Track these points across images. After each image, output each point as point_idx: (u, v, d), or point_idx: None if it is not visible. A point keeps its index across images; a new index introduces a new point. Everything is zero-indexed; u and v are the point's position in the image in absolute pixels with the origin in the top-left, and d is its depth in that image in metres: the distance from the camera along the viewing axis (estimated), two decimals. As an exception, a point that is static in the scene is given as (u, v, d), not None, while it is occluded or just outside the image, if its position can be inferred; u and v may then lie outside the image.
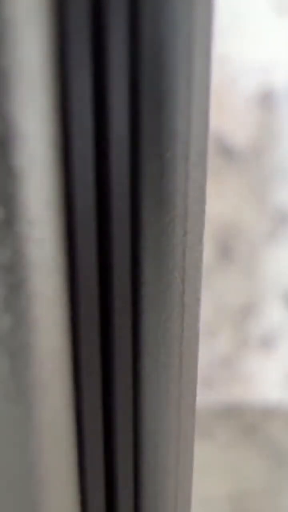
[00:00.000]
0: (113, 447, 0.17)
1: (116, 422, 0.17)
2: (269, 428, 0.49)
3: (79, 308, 0.15)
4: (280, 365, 0.52)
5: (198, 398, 0.53)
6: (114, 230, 0.15)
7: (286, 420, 0.50)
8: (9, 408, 0.15)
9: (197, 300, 0.17)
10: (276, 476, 0.44)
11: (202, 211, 0.16)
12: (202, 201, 0.16)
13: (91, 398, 0.16)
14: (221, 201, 0.47)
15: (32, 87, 0.13)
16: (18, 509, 0.16)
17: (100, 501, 0.17)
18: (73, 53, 0.13)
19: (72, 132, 0.14)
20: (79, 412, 0.16)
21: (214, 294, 0.49)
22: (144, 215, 0.15)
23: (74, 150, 0.14)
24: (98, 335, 0.16)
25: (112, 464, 0.17)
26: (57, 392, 0.15)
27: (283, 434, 0.48)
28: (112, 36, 0.13)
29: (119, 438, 0.17)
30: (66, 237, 0.15)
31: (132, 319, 0.16)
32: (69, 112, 0.14)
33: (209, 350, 0.51)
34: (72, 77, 0.13)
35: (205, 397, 0.52)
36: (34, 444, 0.16)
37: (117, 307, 0.15)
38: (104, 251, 0.15)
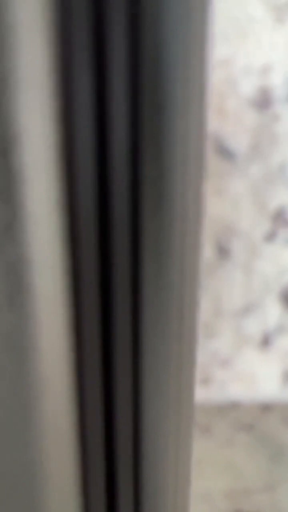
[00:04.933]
0: (114, 444, 0.17)
1: (117, 419, 0.17)
2: (267, 424, 0.49)
3: (81, 307, 0.15)
4: (278, 362, 0.52)
5: (196, 395, 0.53)
6: (114, 230, 0.15)
7: (284, 416, 0.50)
8: (12, 404, 0.15)
9: (196, 299, 0.17)
10: (274, 472, 0.44)
11: (201, 212, 0.16)
12: (200, 201, 0.16)
13: (92, 396, 0.16)
14: (221, 202, 0.47)
15: (34, 90, 0.13)
16: (20, 503, 0.17)
17: (100, 495, 0.17)
18: (74, 57, 0.13)
19: (74, 134, 0.14)
20: (80, 409, 0.16)
21: (213, 293, 0.49)
22: (144, 215, 0.15)
23: (75, 151, 0.14)
24: (99, 333, 0.16)
25: (112, 460, 0.17)
26: (60, 389, 0.16)
27: (281, 430, 0.48)
28: (113, 41, 0.14)
29: (119, 435, 0.17)
30: (67, 237, 0.15)
31: (132, 318, 0.16)
32: (71, 114, 0.14)
33: (207, 348, 0.51)
34: (73, 81, 0.14)
35: (203, 394, 0.53)
36: (36, 440, 0.16)
37: (117, 306, 0.16)
38: (105, 251, 0.15)
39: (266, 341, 0.51)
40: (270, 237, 0.48)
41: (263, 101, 0.44)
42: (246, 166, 0.46)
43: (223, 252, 0.48)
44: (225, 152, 0.45)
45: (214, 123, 0.45)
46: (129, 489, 0.18)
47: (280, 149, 0.46)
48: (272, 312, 0.50)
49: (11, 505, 0.17)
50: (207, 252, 0.48)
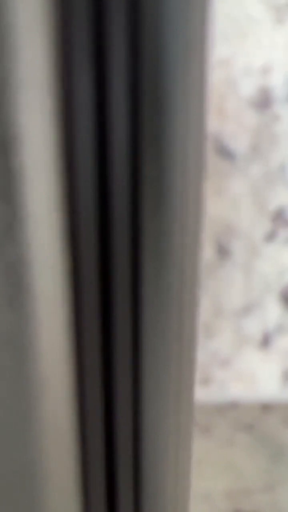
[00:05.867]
0: (114, 444, 0.17)
1: (117, 419, 0.17)
2: (267, 424, 0.49)
3: (80, 306, 0.15)
4: (278, 362, 0.52)
5: (196, 395, 0.53)
6: (114, 230, 0.15)
7: (284, 416, 0.50)
8: (12, 404, 0.15)
9: (196, 299, 0.17)
10: (274, 472, 0.44)
11: (201, 212, 0.16)
12: (200, 201, 0.16)
13: (92, 396, 0.16)
14: (221, 202, 0.47)
15: (34, 90, 0.13)
16: (20, 503, 0.17)
17: (100, 495, 0.17)
18: (74, 58, 0.13)
19: (74, 134, 0.14)
20: (80, 409, 0.16)
21: (213, 293, 0.49)
22: (144, 215, 0.15)
23: (75, 151, 0.14)
24: (99, 333, 0.16)
25: (112, 460, 0.17)
26: (60, 389, 0.16)
27: (281, 430, 0.48)
28: (113, 42, 0.14)
29: (119, 435, 0.17)
30: (67, 236, 0.15)
31: (132, 318, 0.16)
32: (71, 115, 0.14)
33: (207, 348, 0.51)
34: (73, 81, 0.14)
35: (203, 394, 0.53)
36: (36, 440, 0.16)
37: (117, 306, 0.16)
38: (105, 251, 0.15)
39: (266, 341, 0.51)
40: (270, 237, 0.48)
41: (263, 101, 0.44)
42: (246, 166, 0.46)
43: (223, 252, 0.48)
44: (225, 152, 0.45)
45: (214, 123, 0.45)
46: (129, 489, 0.18)
47: (280, 149, 0.46)
48: (272, 312, 0.50)
49: (11, 505, 0.17)
50: (207, 252, 0.48)
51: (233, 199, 0.47)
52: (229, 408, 0.51)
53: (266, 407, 0.51)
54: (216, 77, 0.44)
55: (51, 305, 0.15)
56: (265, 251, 0.48)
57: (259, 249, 0.48)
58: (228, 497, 0.42)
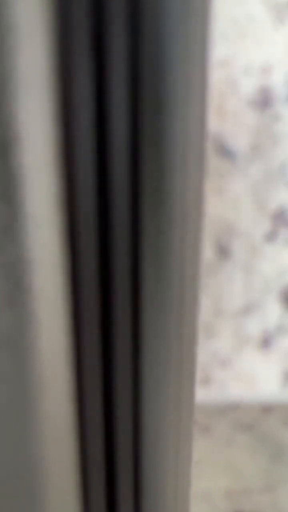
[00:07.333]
0: (114, 444, 0.17)
1: (117, 420, 0.17)
2: (267, 424, 0.49)
3: (80, 307, 0.15)
4: (278, 363, 0.52)
5: (196, 395, 0.53)
6: (114, 230, 0.15)
7: (284, 417, 0.50)
8: (12, 404, 0.15)
9: (196, 299, 0.17)
10: (274, 472, 0.44)
11: (201, 212, 0.16)
12: (201, 201, 0.16)
13: (92, 396, 0.16)
14: (221, 202, 0.47)
15: (34, 90, 0.13)
16: (20, 504, 0.17)
17: (101, 495, 0.17)
18: (74, 58, 0.13)
19: (73, 134, 0.14)
20: (80, 409, 0.16)
21: (213, 293, 0.49)
22: (144, 215, 0.15)
23: (75, 151, 0.14)
24: (99, 333, 0.16)
25: (112, 460, 0.17)
26: (59, 389, 0.16)
27: (281, 430, 0.48)
28: (113, 41, 0.14)
29: (119, 435, 0.17)
30: (67, 236, 0.15)
31: (132, 318, 0.16)
32: (70, 115, 0.14)
33: (207, 348, 0.51)
34: (73, 81, 0.14)
35: (203, 394, 0.53)
36: (36, 440, 0.16)
37: (117, 306, 0.16)
38: (105, 251, 0.15)
39: (266, 341, 0.51)
40: (270, 237, 0.48)
41: (263, 101, 0.44)
42: (246, 166, 0.46)
43: (223, 252, 0.48)
44: (225, 152, 0.45)
45: (214, 123, 0.45)
46: (129, 489, 0.18)
47: (280, 149, 0.46)
48: (272, 312, 0.50)
49: (11, 505, 0.17)
50: (207, 252, 0.48)
51: (233, 199, 0.47)
52: (229, 408, 0.51)
53: (266, 407, 0.51)
54: (216, 77, 0.44)
55: (51, 305, 0.15)
56: (265, 251, 0.48)
57: (259, 249, 0.48)
58: (228, 497, 0.42)
